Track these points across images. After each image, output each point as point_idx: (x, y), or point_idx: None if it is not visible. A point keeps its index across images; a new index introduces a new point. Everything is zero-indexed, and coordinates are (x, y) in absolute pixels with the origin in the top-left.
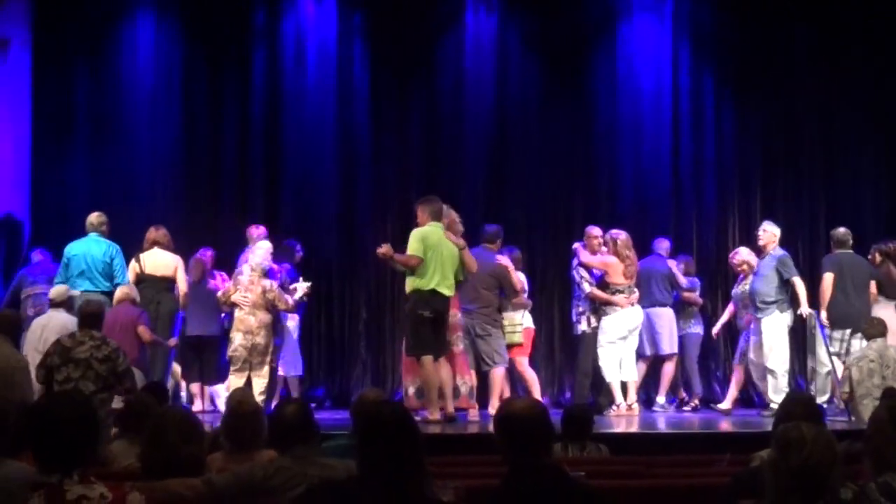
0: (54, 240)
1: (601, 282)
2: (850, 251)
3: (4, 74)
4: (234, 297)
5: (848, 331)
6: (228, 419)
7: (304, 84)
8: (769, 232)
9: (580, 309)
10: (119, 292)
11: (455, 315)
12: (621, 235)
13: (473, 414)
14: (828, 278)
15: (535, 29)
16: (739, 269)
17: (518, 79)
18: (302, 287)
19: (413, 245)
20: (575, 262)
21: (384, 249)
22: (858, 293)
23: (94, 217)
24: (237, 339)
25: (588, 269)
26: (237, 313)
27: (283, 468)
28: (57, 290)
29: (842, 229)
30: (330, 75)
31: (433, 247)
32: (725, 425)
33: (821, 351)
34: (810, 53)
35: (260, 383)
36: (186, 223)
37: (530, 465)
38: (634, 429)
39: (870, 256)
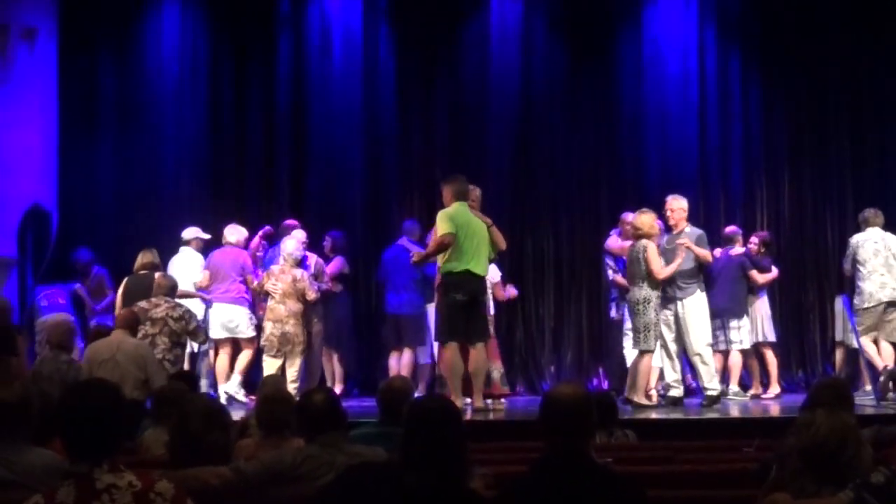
0: (82, 230)
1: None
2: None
3: (31, 64)
4: (267, 287)
5: (718, 321)
6: (261, 405)
7: (330, 70)
8: (680, 208)
9: (612, 296)
10: (227, 235)
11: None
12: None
13: (502, 402)
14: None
15: (561, 12)
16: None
17: (543, 62)
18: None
19: (443, 226)
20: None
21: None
22: (732, 286)
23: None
24: (268, 328)
25: (614, 255)
26: (269, 302)
27: (312, 456)
28: (189, 230)
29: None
30: (355, 60)
31: (463, 226)
32: (754, 411)
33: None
34: (837, 33)
35: (292, 372)
36: (213, 211)
37: (561, 451)
38: (662, 415)
39: (751, 245)
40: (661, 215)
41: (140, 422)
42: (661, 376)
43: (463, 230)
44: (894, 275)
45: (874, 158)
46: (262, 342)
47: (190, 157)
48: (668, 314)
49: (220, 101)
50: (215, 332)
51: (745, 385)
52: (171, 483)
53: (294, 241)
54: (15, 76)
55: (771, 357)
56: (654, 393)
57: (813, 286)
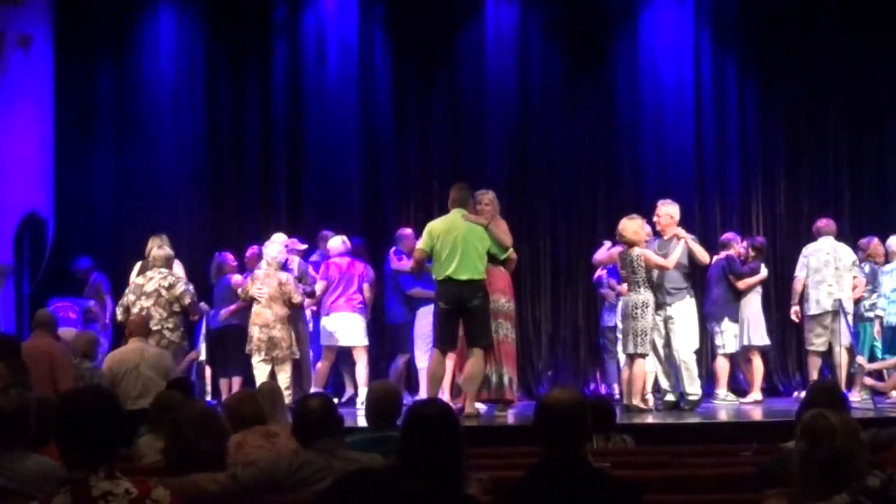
0: (78, 237)
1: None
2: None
3: (27, 71)
4: (252, 291)
5: (715, 324)
6: (227, 412)
7: (326, 77)
8: (668, 214)
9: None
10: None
11: (498, 300)
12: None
13: (501, 409)
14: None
15: (557, 18)
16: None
17: (540, 68)
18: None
19: (419, 242)
20: None
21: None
22: (715, 291)
23: None
24: (255, 333)
25: (604, 265)
26: (255, 307)
27: (308, 462)
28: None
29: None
30: (352, 67)
31: (443, 233)
32: (752, 414)
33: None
34: (834, 37)
35: (284, 379)
36: (210, 218)
37: (558, 456)
38: (659, 419)
39: (742, 249)
40: (653, 221)
41: (138, 428)
42: (656, 380)
43: (440, 239)
44: (842, 285)
45: (873, 159)
46: (249, 347)
47: (187, 163)
48: (658, 320)
49: (216, 108)
50: (325, 338)
51: (744, 390)
52: (168, 490)
53: (276, 245)
54: (11, 83)
55: (757, 363)
56: (650, 397)
57: None
